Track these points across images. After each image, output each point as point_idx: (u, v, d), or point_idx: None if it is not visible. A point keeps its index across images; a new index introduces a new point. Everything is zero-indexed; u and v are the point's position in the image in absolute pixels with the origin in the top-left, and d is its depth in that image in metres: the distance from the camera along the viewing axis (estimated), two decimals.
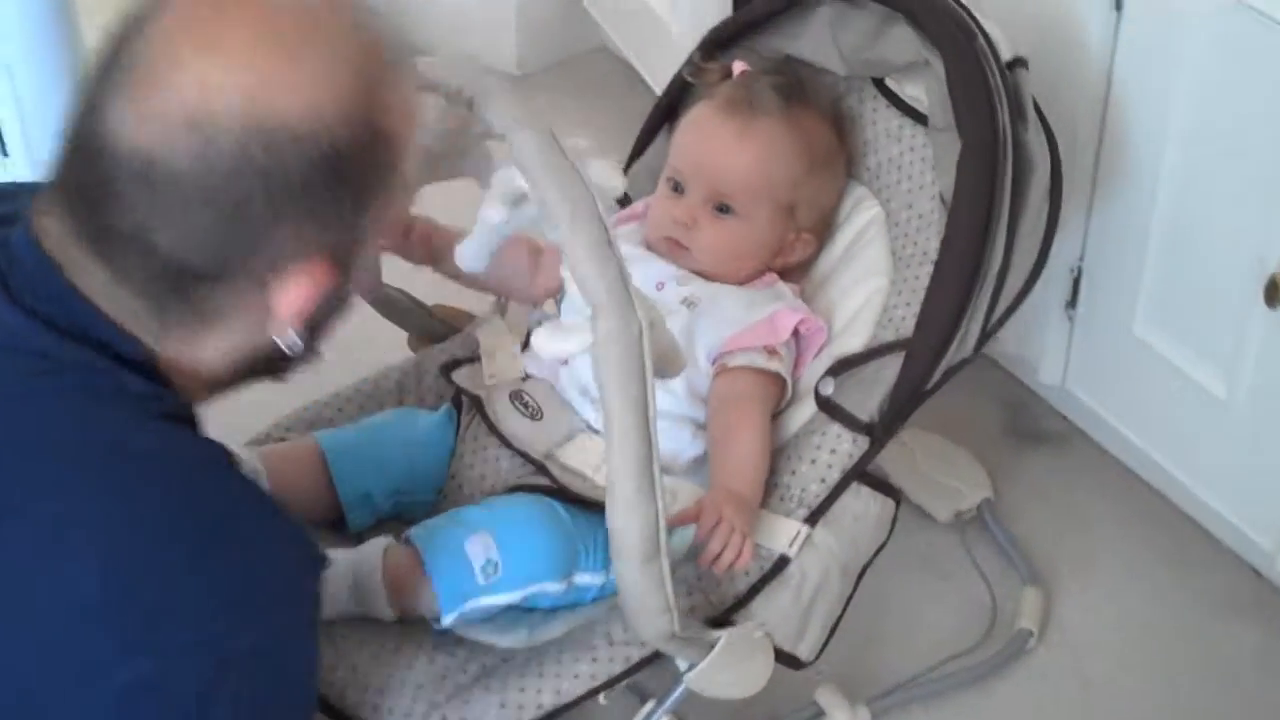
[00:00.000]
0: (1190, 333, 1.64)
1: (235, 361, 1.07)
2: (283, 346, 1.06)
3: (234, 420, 1.54)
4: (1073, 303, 1.78)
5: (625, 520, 1.14)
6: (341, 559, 1.33)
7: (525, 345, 1.54)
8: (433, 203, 1.34)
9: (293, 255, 1.01)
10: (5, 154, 2.17)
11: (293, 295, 1.02)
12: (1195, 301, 1.63)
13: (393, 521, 1.45)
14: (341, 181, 0.99)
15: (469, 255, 1.33)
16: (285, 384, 1.16)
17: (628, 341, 1.10)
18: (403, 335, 1.66)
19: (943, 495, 1.85)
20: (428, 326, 1.64)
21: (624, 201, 1.66)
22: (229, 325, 1.04)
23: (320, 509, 1.42)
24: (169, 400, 1.04)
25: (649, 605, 1.19)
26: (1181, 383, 1.66)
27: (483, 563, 1.31)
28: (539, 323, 1.50)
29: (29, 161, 2.17)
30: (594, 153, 1.30)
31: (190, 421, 1.08)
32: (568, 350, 1.19)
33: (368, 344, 1.69)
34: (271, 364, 1.11)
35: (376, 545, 1.34)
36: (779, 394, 1.45)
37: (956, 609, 1.75)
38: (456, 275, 1.58)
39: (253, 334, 1.05)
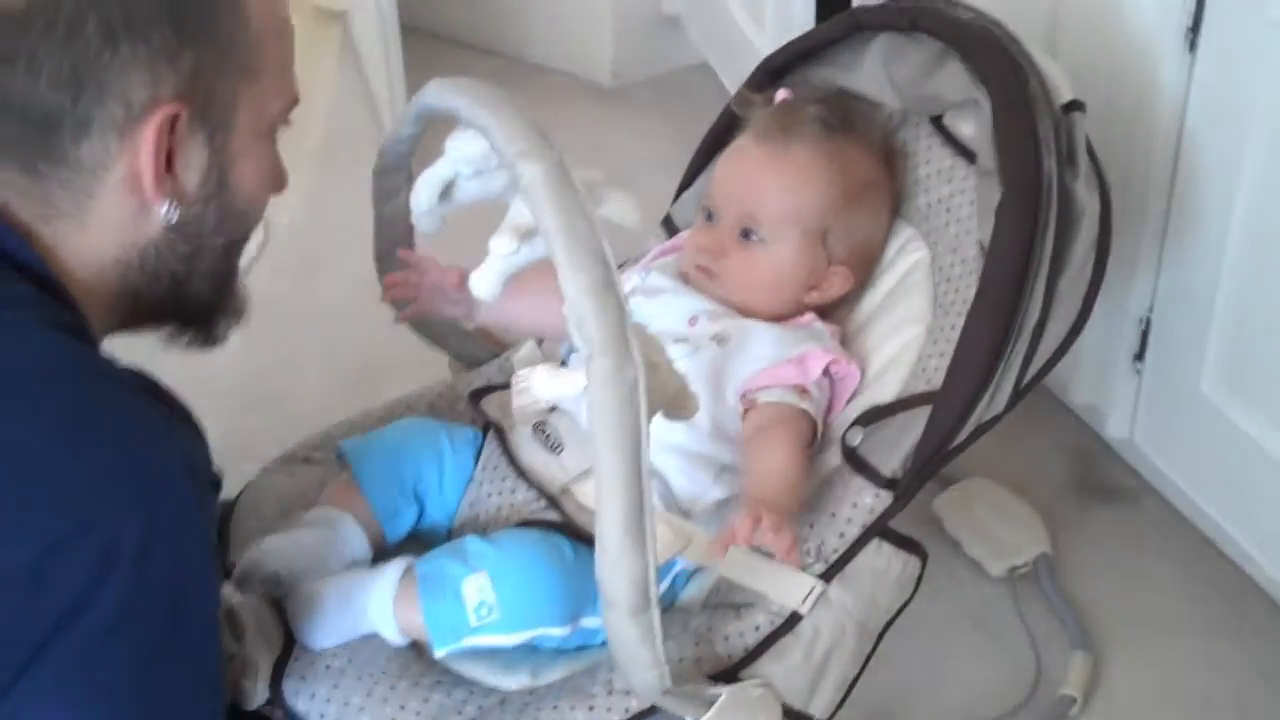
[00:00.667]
0: (1258, 394, 1.56)
1: (126, 266, 1.09)
2: (160, 218, 1.08)
3: (265, 441, 1.56)
4: (1140, 355, 1.70)
5: (613, 571, 1.10)
6: (353, 581, 1.31)
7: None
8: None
9: (142, 97, 1.03)
10: None
11: (151, 143, 1.03)
12: (1263, 362, 1.55)
13: (413, 542, 1.43)
14: (174, 11, 1.03)
15: (481, 284, 1.30)
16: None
17: (622, 385, 1.06)
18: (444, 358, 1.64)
19: (998, 548, 1.78)
20: (467, 350, 1.62)
21: (670, 231, 1.63)
22: (105, 198, 1.05)
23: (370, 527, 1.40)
24: (65, 315, 1.05)
25: (638, 659, 1.14)
26: (1247, 445, 1.58)
27: (476, 604, 1.28)
28: (566, 354, 1.47)
29: None
30: (610, 185, 1.27)
31: (89, 342, 1.09)
32: (563, 392, 1.16)
33: (407, 366, 1.69)
34: (182, 299, 1.14)
35: (395, 568, 1.31)
36: (811, 434, 1.39)
37: (1000, 669, 1.68)
38: (494, 325, 1.58)
39: (132, 216, 1.07)
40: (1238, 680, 1.65)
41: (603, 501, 1.08)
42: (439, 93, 1.26)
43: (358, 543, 1.36)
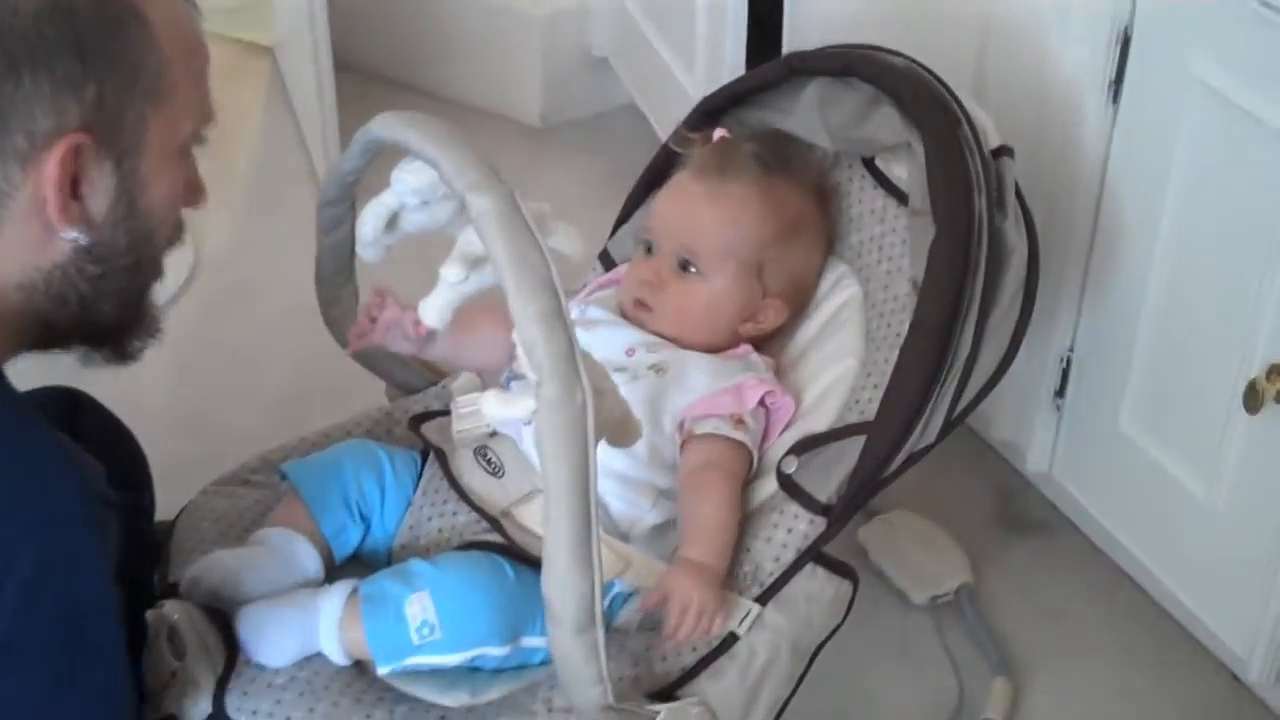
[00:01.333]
0: (1174, 431, 1.62)
1: (30, 290, 1.09)
2: (66, 244, 1.08)
3: (193, 466, 1.57)
4: (1061, 392, 1.76)
5: (560, 590, 1.13)
6: (304, 601, 1.33)
7: None
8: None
9: (45, 127, 1.03)
10: None
11: (52, 169, 1.04)
12: (1179, 400, 1.61)
13: (354, 563, 1.45)
14: (78, 41, 1.03)
15: (430, 312, 1.34)
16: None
17: (570, 411, 1.09)
18: (380, 385, 1.66)
19: (921, 578, 1.83)
20: (405, 378, 1.64)
21: (608, 264, 1.67)
22: (8, 224, 1.05)
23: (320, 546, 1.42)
24: None
25: (582, 675, 1.17)
26: (1164, 480, 1.64)
27: (418, 624, 1.30)
28: (508, 381, 1.50)
29: None
30: (555, 219, 1.30)
31: None
32: (513, 415, 1.19)
33: (337, 394, 1.71)
34: (91, 320, 1.14)
35: (341, 589, 1.33)
36: (748, 465, 1.43)
37: (923, 694, 1.72)
38: (438, 359, 1.60)
39: (37, 242, 1.07)
40: (1152, 709, 1.71)
41: (551, 522, 1.12)
42: (388, 125, 1.28)
43: (311, 562, 1.38)
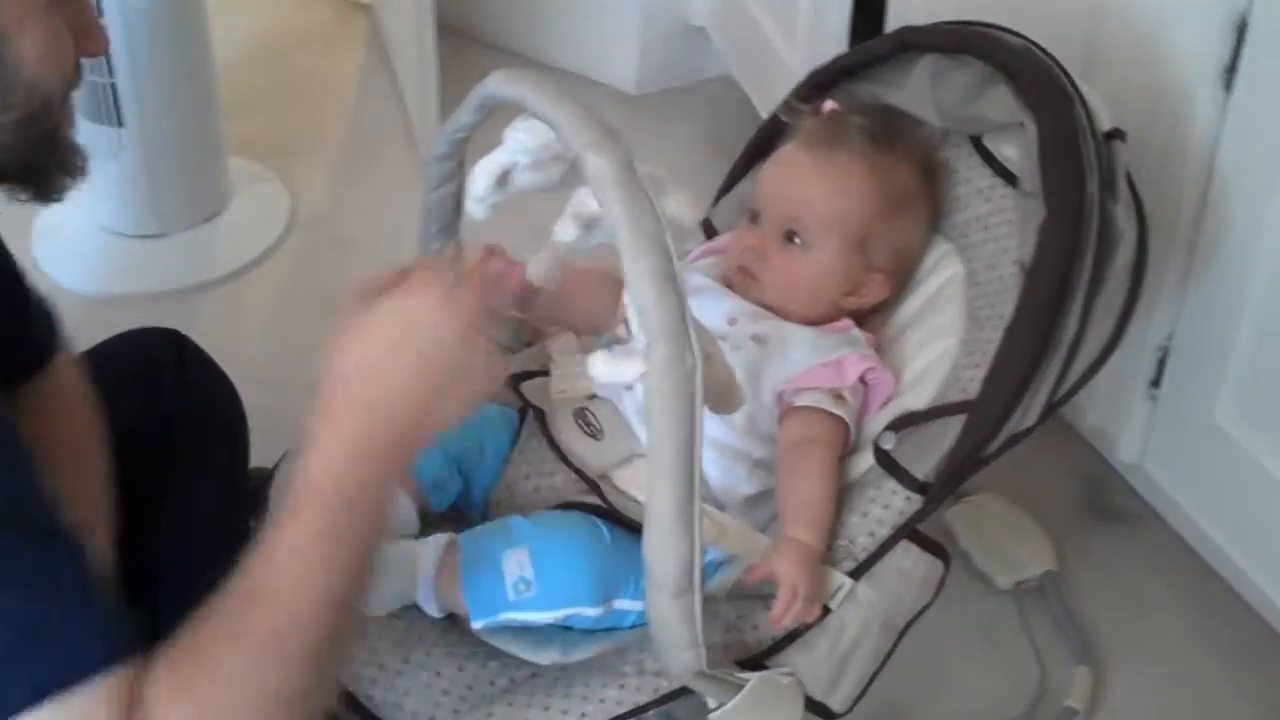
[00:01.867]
0: (1272, 426, 1.60)
1: None
2: None
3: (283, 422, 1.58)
4: (1156, 382, 1.75)
5: (661, 553, 1.13)
6: (403, 552, 1.34)
7: None
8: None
9: None
10: (120, 123, 2.22)
11: None
12: (1278, 394, 1.59)
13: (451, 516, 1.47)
14: None
15: (538, 269, 1.34)
16: None
17: (679, 374, 1.09)
18: None
19: (1006, 562, 1.83)
20: (503, 337, 1.65)
21: (709, 234, 1.67)
22: None
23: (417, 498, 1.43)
24: None
25: (677, 639, 1.18)
26: (1259, 476, 1.62)
27: (515, 579, 1.31)
28: (608, 345, 1.51)
29: (141, 130, 2.23)
30: (670, 183, 1.30)
31: None
32: (622, 377, 1.19)
33: None
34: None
35: (438, 541, 1.35)
36: (846, 440, 1.43)
37: (1004, 679, 1.72)
38: (541, 318, 1.61)
39: None
40: (1234, 707, 1.70)
41: (655, 485, 1.12)
42: (505, 82, 1.28)
43: (407, 514, 1.39)
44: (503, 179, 1.39)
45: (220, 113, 2.39)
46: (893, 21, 2.05)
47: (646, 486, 1.13)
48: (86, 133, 2.20)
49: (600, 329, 1.54)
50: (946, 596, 1.78)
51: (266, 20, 3.10)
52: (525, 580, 1.32)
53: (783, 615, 1.30)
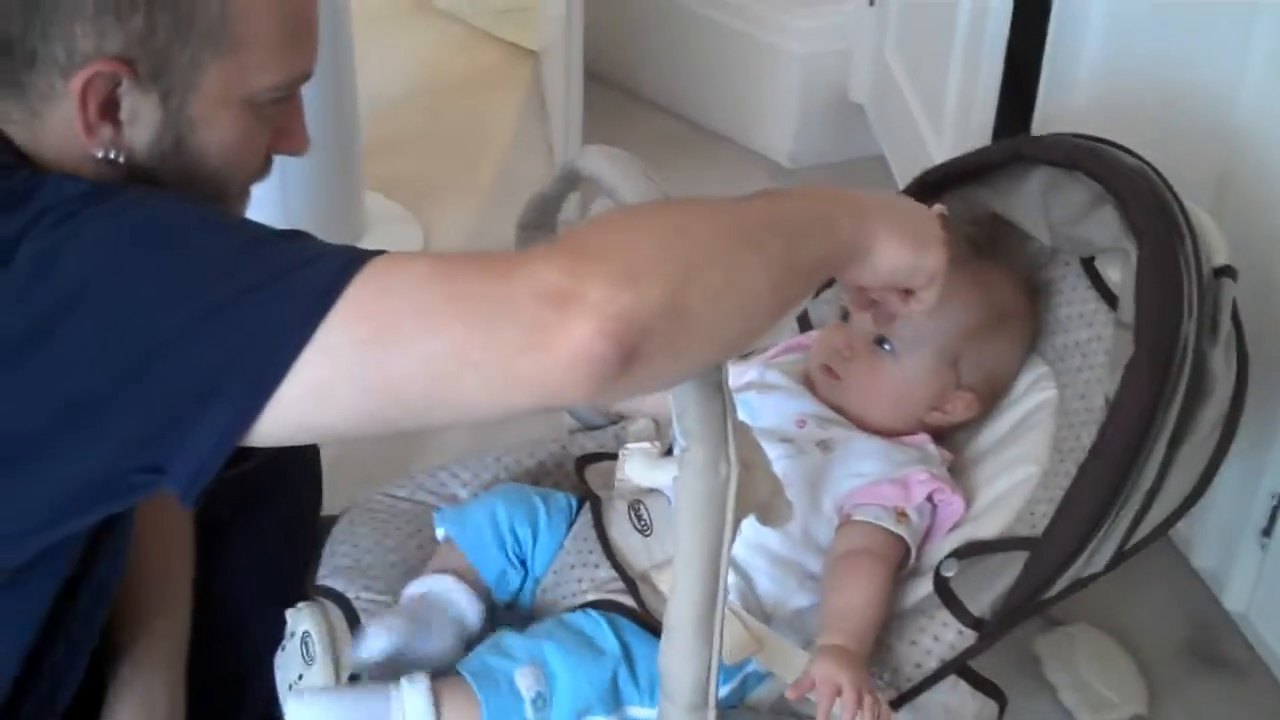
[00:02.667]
0: None
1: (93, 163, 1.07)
2: (98, 153, 1.06)
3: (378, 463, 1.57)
4: (1268, 531, 1.64)
5: (677, 665, 1.08)
6: (372, 702, 1.26)
7: (669, 452, 1.50)
8: None
9: (85, 47, 1.01)
10: None
11: (75, 86, 1.02)
12: None
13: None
14: None
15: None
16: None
17: (712, 481, 1.05)
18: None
19: (1092, 700, 1.73)
20: (584, 413, 1.62)
21: (804, 327, 1.62)
22: (52, 122, 1.05)
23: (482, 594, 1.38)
24: None
25: None
26: None
27: (533, 696, 1.26)
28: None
29: (279, 161, 2.25)
30: None
31: None
32: (654, 480, 1.15)
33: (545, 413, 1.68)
34: None
35: (419, 681, 1.25)
36: (903, 559, 1.37)
37: None
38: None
39: (82, 146, 1.05)
40: None
41: (677, 594, 1.07)
42: (590, 158, 1.26)
43: (471, 612, 1.34)
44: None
45: (361, 150, 2.41)
46: (1039, 125, 1.97)
47: (669, 594, 1.08)
48: None
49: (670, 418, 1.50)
50: None
51: (433, 61, 3.13)
52: (543, 695, 1.27)
53: (826, 715, 1.22)
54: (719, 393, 1.06)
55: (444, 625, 1.32)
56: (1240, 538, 1.68)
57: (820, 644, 1.28)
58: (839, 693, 1.22)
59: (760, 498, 1.13)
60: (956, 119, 2.13)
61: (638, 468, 1.15)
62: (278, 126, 1.15)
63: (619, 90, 2.95)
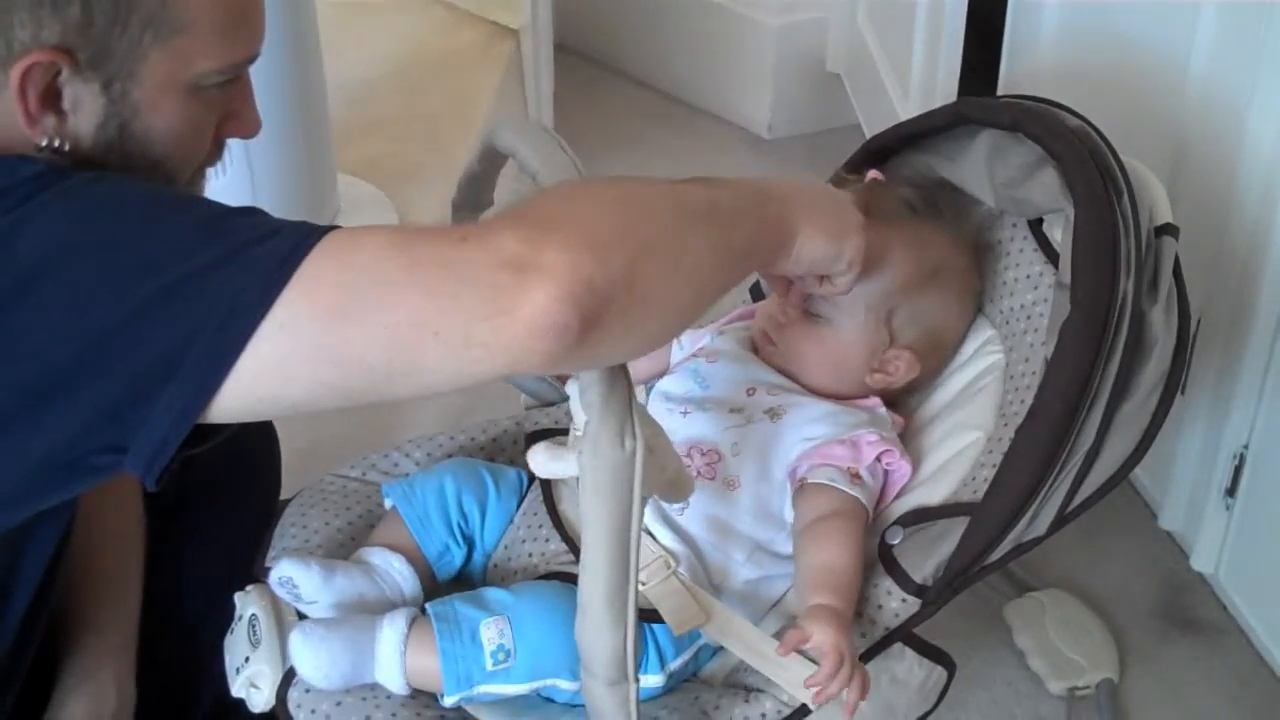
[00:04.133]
0: None
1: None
2: (42, 141, 1.05)
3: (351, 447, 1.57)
4: (1232, 491, 1.63)
5: (593, 641, 1.09)
6: (360, 629, 1.29)
7: None
8: None
9: (23, 37, 1.01)
10: None
11: (15, 78, 1.02)
12: None
13: (458, 582, 1.43)
14: None
15: None
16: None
17: (617, 456, 1.04)
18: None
19: (1062, 666, 1.72)
20: (537, 389, 1.62)
21: (756, 297, 1.61)
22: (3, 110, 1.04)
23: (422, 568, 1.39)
24: None
25: None
26: None
27: (494, 648, 1.26)
28: (647, 392, 1.46)
29: (244, 146, 2.24)
30: None
31: None
32: (558, 472, 1.15)
33: (513, 394, 1.68)
34: None
35: (402, 616, 1.29)
36: (866, 520, 1.36)
37: None
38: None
39: (19, 127, 1.05)
40: None
41: (587, 571, 1.08)
42: (503, 132, 1.26)
43: (408, 585, 1.35)
44: None
45: (332, 132, 2.40)
46: (1003, 90, 1.96)
47: (580, 573, 1.08)
48: None
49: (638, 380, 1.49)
50: (995, 695, 1.70)
51: (412, 42, 3.12)
52: (505, 649, 1.27)
53: (829, 679, 1.20)
54: (622, 372, 1.06)
55: (378, 597, 1.33)
56: (1206, 499, 1.66)
57: (813, 603, 1.26)
58: (843, 659, 1.21)
59: (665, 477, 1.13)
60: (923, 85, 2.12)
61: (540, 461, 1.14)
62: (226, 110, 1.15)
63: (595, 64, 2.94)
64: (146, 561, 1.45)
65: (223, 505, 1.51)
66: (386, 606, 1.34)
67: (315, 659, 1.26)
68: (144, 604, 1.44)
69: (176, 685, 1.45)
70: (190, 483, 1.46)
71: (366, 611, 1.32)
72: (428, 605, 1.30)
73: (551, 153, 1.15)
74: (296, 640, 1.27)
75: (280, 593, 1.32)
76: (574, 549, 1.37)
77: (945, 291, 1.43)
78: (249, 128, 1.19)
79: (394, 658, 1.28)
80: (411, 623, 1.29)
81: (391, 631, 1.28)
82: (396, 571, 1.36)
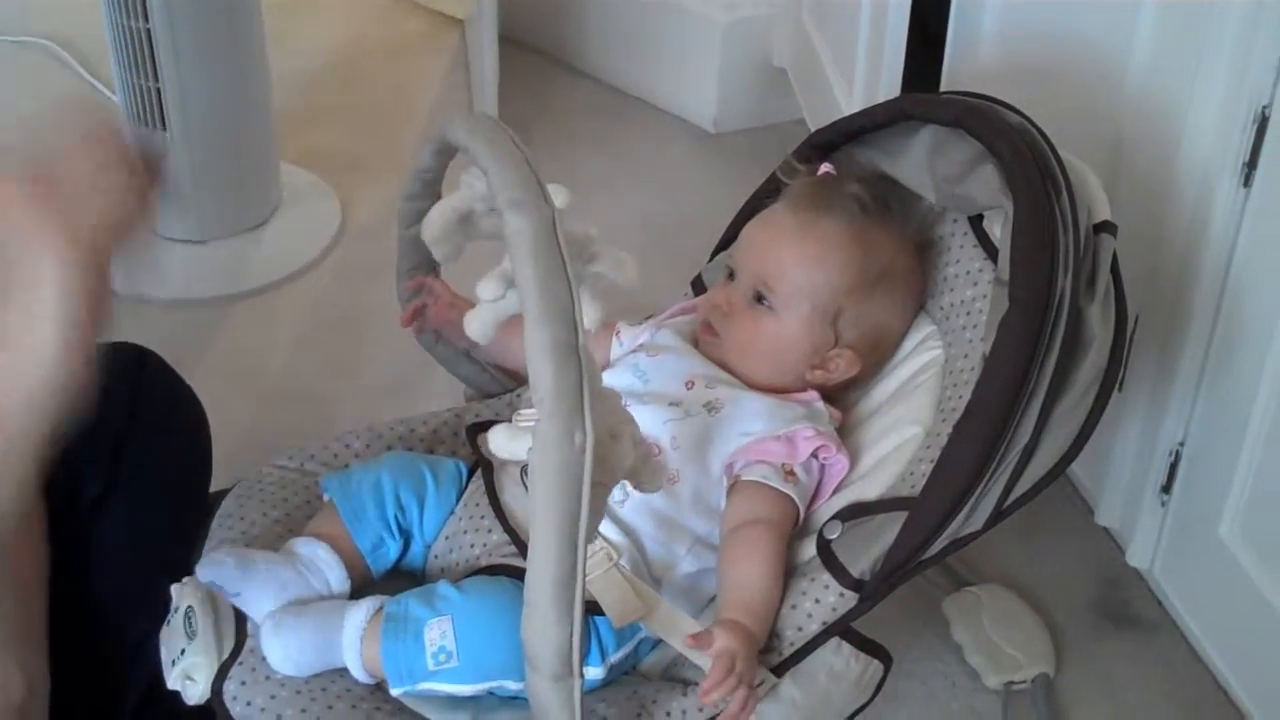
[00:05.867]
0: (1272, 546, 1.49)
1: None
2: None
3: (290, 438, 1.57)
4: (1167, 488, 1.64)
5: (541, 636, 1.08)
6: (330, 613, 1.30)
7: None
8: None
9: None
10: (164, 127, 2.22)
11: None
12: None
13: (396, 576, 1.42)
14: None
15: (474, 324, 1.29)
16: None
17: (566, 452, 1.04)
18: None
19: (999, 661, 1.72)
20: (479, 381, 1.61)
21: (698, 291, 1.61)
22: None
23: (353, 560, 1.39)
24: None
25: None
26: (1256, 599, 1.51)
27: (435, 649, 1.26)
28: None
29: (184, 135, 2.23)
30: (608, 244, 1.25)
31: None
32: (517, 453, 1.14)
33: (456, 387, 1.68)
34: None
35: (367, 605, 1.30)
36: (794, 520, 1.36)
37: None
38: (497, 365, 1.57)
39: None
40: None
41: (534, 565, 1.07)
42: (456, 128, 1.24)
43: (334, 578, 1.35)
44: (464, 222, 1.35)
45: (272, 122, 2.38)
46: (945, 84, 1.97)
47: (527, 567, 1.07)
48: (130, 134, 2.22)
49: None
50: (931, 689, 1.71)
51: (355, 31, 3.10)
52: (446, 651, 1.27)
53: (713, 690, 1.21)
54: (576, 360, 1.05)
55: (302, 586, 1.33)
56: (1142, 495, 1.68)
57: (721, 618, 1.28)
58: (733, 667, 1.22)
59: (624, 465, 1.12)
60: (866, 81, 2.12)
61: (500, 441, 1.14)
62: None
63: (541, 56, 2.93)
64: (74, 554, 1.43)
65: (152, 494, 1.49)
66: (313, 597, 1.34)
67: (285, 649, 1.27)
68: (71, 595, 1.42)
69: (106, 677, 1.44)
70: (118, 471, 1.46)
71: (298, 602, 1.32)
72: (385, 602, 1.30)
73: (504, 149, 1.14)
74: (267, 630, 1.27)
75: (210, 585, 1.32)
76: (516, 540, 1.37)
77: (892, 293, 1.44)
78: None
79: (353, 647, 1.28)
80: (373, 614, 1.28)
81: (353, 623, 1.28)
82: (323, 561, 1.35)
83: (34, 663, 1.35)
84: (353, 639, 1.28)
